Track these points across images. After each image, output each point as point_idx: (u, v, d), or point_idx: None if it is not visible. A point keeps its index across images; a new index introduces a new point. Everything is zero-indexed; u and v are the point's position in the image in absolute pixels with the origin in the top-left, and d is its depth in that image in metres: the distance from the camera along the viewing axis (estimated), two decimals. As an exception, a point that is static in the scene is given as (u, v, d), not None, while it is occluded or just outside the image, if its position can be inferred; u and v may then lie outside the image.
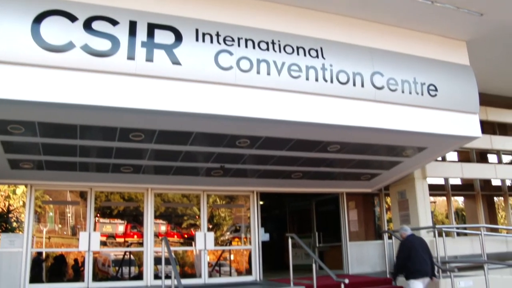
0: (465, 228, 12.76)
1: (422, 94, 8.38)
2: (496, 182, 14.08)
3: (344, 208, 12.08)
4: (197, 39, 6.94)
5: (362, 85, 7.91)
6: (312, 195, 12.88)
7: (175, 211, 11.18)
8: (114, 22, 6.50)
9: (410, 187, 11.45)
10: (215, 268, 10.97)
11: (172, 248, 8.66)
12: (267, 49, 7.35)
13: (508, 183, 14.06)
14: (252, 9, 7.66)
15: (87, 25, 6.34)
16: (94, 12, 6.43)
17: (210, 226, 10.99)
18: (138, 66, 6.52)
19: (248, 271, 10.89)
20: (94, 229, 9.76)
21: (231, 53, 7.07)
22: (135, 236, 10.44)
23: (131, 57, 6.49)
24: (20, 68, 6.01)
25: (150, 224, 10.11)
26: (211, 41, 7.02)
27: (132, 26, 6.60)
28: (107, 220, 10.41)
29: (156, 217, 10.43)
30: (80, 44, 6.24)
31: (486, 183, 13.95)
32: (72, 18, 6.28)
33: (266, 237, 11.30)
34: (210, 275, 10.50)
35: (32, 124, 6.91)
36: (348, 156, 9.58)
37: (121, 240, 10.46)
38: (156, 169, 9.45)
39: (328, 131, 8.13)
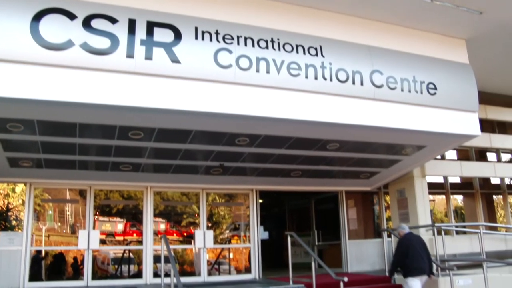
0: (464, 227, 12.76)
1: (421, 93, 8.38)
2: (495, 181, 14.11)
3: (343, 206, 12.09)
4: (196, 37, 6.94)
5: (362, 84, 7.91)
6: (311, 193, 12.89)
7: (175, 209, 11.18)
8: (113, 20, 6.50)
9: (409, 186, 11.46)
10: (215, 266, 10.98)
11: (171, 246, 8.66)
12: (267, 47, 7.34)
13: (507, 181, 14.09)
14: (251, 7, 7.65)
15: (86, 23, 6.33)
16: (93, 10, 6.43)
17: (210, 224, 10.99)
18: (137, 64, 6.52)
19: (248, 269, 10.90)
20: (94, 227, 9.77)
21: (230, 51, 7.06)
22: (135, 235, 10.44)
23: (130, 55, 6.49)
24: (19, 66, 6.00)
25: (150, 222, 10.11)
26: (211, 39, 7.01)
27: (131, 24, 6.59)
28: (106, 218, 10.40)
29: (155, 215, 10.43)
30: (79, 42, 6.24)
31: (485, 181, 13.98)
32: (71, 16, 6.27)
33: (265, 235, 11.31)
34: (210, 273, 10.51)
35: (31, 122, 6.91)
36: (347, 154, 9.58)
37: (121, 238, 10.45)
38: (155, 167, 9.45)
39: (327, 129, 8.13)
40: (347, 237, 11.87)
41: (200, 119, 7.24)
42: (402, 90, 8.23)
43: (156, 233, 10.33)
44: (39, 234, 9.61)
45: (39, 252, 9.50)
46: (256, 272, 10.75)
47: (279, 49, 7.43)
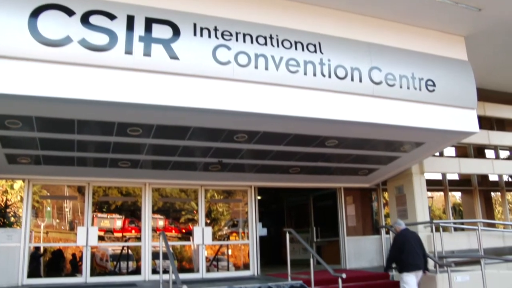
0: (462, 223, 12.77)
1: (420, 89, 8.38)
2: (493, 178, 14.12)
3: (341, 203, 12.10)
4: (195, 34, 6.92)
5: (360, 80, 7.90)
6: (309, 190, 12.90)
7: (173, 206, 11.18)
8: (111, 17, 6.48)
9: (408, 182, 11.46)
10: (213, 263, 10.99)
11: (170, 243, 8.65)
12: (265, 43, 7.33)
13: (505, 178, 14.12)
14: (250, 4, 7.63)
15: (85, 20, 6.31)
16: (92, 6, 6.41)
17: (208, 221, 11.00)
18: (136, 60, 6.51)
19: (246, 266, 10.92)
20: (92, 224, 9.77)
21: (229, 48, 7.06)
22: (133, 231, 10.45)
23: (128, 51, 6.47)
24: (17, 62, 5.99)
25: (148, 219, 10.12)
26: (209, 36, 7.00)
27: (130, 20, 6.58)
28: (105, 215, 10.41)
29: (154, 212, 10.44)
30: (78, 39, 6.22)
31: (484, 178, 14.00)
32: (70, 12, 6.26)
33: (263, 232, 11.31)
34: (208, 270, 10.52)
35: (29, 119, 6.90)
36: (346, 151, 9.58)
37: (119, 235, 10.46)
38: (154, 163, 9.44)
39: (326, 126, 8.13)
40: (345, 234, 11.89)
41: (198, 116, 7.23)
42: (401, 87, 8.23)
43: (154, 229, 10.34)
44: (38, 231, 9.61)
45: (37, 248, 9.51)
46: (254, 268, 10.76)
47: (278, 46, 7.42)
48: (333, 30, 8.05)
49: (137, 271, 9.94)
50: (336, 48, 7.89)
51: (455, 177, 13.77)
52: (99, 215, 10.26)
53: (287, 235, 9.39)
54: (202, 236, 10.43)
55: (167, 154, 8.89)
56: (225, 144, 8.58)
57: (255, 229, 11.01)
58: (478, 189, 13.39)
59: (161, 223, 10.86)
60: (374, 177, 11.69)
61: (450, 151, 13.34)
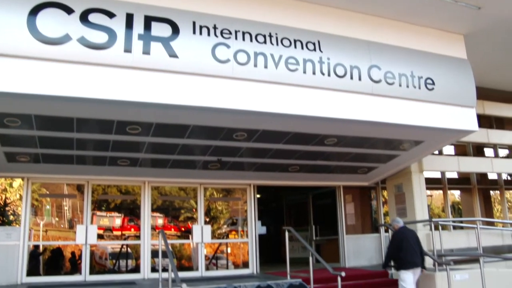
0: (461, 222, 12.81)
1: (419, 88, 8.37)
2: (492, 176, 14.14)
3: (341, 201, 12.11)
4: (194, 32, 6.91)
5: (360, 79, 7.90)
6: (309, 188, 12.91)
7: (172, 204, 11.19)
8: (110, 15, 6.47)
9: (407, 181, 11.47)
10: (212, 261, 11.00)
11: (169, 241, 8.66)
12: (265, 42, 7.32)
13: (504, 177, 14.13)
14: (249, 2, 7.62)
15: (84, 18, 6.29)
16: (91, 4, 6.39)
17: (207, 219, 11.00)
18: (135, 58, 6.49)
19: (245, 264, 10.93)
20: (91, 222, 9.77)
21: (228, 46, 7.04)
22: (132, 229, 10.45)
23: (128, 49, 6.46)
24: (16, 60, 5.98)
25: (147, 217, 10.12)
26: (208, 34, 6.99)
27: (129, 18, 6.56)
28: (104, 213, 10.41)
29: (153, 210, 10.44)
30: (77, 37, 6.21)
31: (483, 176, 14.01)
32: (69, 10, 6.24)
33: (263, 230, 11.32)
34: (207, 268, 10.54)
35: (28, 117, 6.89)
36: (345, 149, 9.59)
37: (118, 233, 10.46)
38: (153, 162, 9.44)
39: (325, 125, 8.13)
40: (344, 232, 11.90)
41: (198, 114, 7.23)
42: (400, 85, 8.22)
43: (154, 228, 10.34)
44: (37, 229, 9.61)
45: (37, 247, 9.51)
46: (253, 267, 10.77)
47: (277, 44, 7.41)
48: (332, 28, 8.04)
49: (136, 269, 9.95)
50: (336, 46, 7.88)
51: (454, 175, 13.80)
52: (98, 213, 10.26)
53: (286, 234, 9.40)
54: (201, 234, 10.44)
55: (166, 152, 8.89)
56: (224, 142, 8.57)
57: (254, 228, 11.01)
58: (477, 188, 13.40)
59: (160, 221, 10.87)
60: (373, 175, 11.70)
61: (449, 149, 13.36)
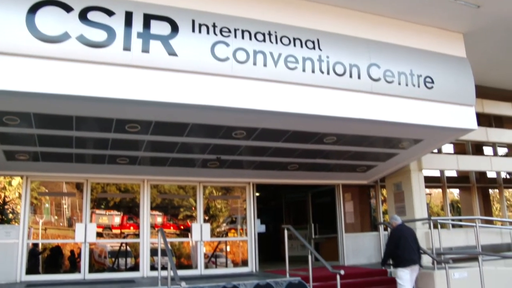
0: (460, 220, 12.83)
1: (418, 86, 8.38)
2: (491, 175, 14.15)
3: (340, 199, 12.12)
4: (193, 30, 6.91)
5: (359, 77, 7.90)
6: (308, 186, 12.91)
7: (171, 202, 11.19)
8: (110, 13, 6.46)
9: (406, 179, 11.48)
10: (211, 259, 11.00)
11: (168, 240, 8.65)
12: (264, 40, 7.32)
13: (503, 175, 14.14)
14: (248, 0, 7.61)
15: (83, 16, 6.29)
16: (90, 2, 6.38)
17: (206, 218, 11.00)
18: (134, 57, 6.49)
19: (244, 263, 10.94)
20: (91, 221, 9.77)
21: (227, 44, 7.04)
22: (132, 228, 10.45)
23: (127, 48, 6.45)
24: (15, 58, 5.97)
25: (146, 216, 10.12)
26: (208, 32, 6.98)
27: (128, 16, 6.55)
28: (103, 212, 10.40)
29: (152, 208, 10.44)
30: (76, 35, 6.20)
31: (482, 175, 14.02)
32: (68, 8, 6.23)
33: (262, 228, 11.32)
34: (206, 266, 10.54)
35: (27, 115, 6.88)
36: (344, 148, 9.59)
37: (118, 231, 10.46)
38: (152, 160, 9.44)
39: (324, 123, 8.13)
40: (343, 231, 11.91)
41: (197, 112, 7.23)
42: (399, 83, 8.22)
43: (153, 226, 10.34)
44: (36, 227, 9.61)
45: (36, 245, 9.51)
46: (253, 265, 10.78)
47: (277, 42, 7.41)
48: (332, 26, 8.04)
49: (135, 267, 9.95)
50: (335, 44, 7.88)
51: (453, 174, 13.82)
52: (98, 211, 10.25)
53: (286, 232, 9.39)
54: (200, 232, 10.44)
55: (166, 150, 8.89)
56: (223, 140, 8.57)
57: (254, 226, 11.02)
58: (476, 186, 13.41)
59: (159, 219, 10.86)
60: (372, 173, 11.70)
61: (448, 148, 13.37)
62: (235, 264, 11.08)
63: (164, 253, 7.87)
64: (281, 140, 8.81)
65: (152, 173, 10.09)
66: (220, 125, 7.90)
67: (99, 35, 6.32)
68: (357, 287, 9.09)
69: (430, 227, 10.21)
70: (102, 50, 6.32)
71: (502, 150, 14.07)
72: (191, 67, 6.83)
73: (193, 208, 10.88)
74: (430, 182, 12.65)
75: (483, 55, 10.14)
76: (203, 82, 6.91)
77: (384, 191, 12.63)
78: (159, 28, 6.69)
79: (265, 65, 7.23)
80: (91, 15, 6.34)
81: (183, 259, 10.77)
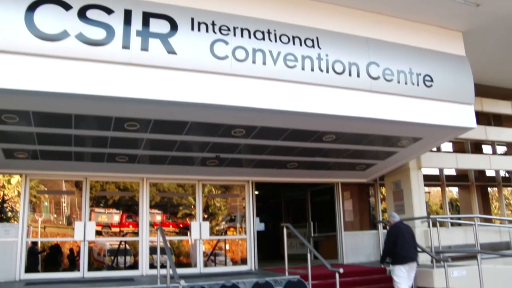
0: (459, 219, 12.84)
1: (417, 85, 8.38)
2: (490, 173, 14.16)
3: (339, 198, 12.12)
4: (192, 28, 6.91)
5: (358, 75, 7.90)
6: (307, 185, 12.92)
7: (171, 200, 11.19)
8: (109, 11, 6.45)
9: (405, 178, 11.49)
10: (210, 257, 11.00)
11: (167, 238, 8.65)
12: (263, 38, 7.32)
13: (502, 174, 14.15)
14: (248, -2, 7.62)
15: (82, 14, 6.28)
16: (89, 0, 6.37)
17: (206, 216, 11.00)
18: (133, 55, 6.49)
19: (244, 261, 10.94)
20: (90, 219, 9.76)
21: (226, 43, 7.04)
22: (131, 226, 10.45)
23: (126, 46, 6.45)
24: (13, 57, 5.97)
25: (146, 214, 10.12)
26: (207, 30, 6.98)
27: (127, 15, 6.55)
28: (102, 210, 10.40)
29: (151, 206, 10.43)
30: (75, 33, 6.20)
31: (481, 173, 14.03)
32: (66, 7, 6.22)
33: (261, 226, 11.32)
34: (206, 265, 10.54)
35: (26, 114, 6.88)
36: (344, 146, 9.59)
37: (117, 229, 10.46)
38: (151, 158, 9.44)
39: (323, 121, 8.13)
40: (342, 229, 11.91)
41: (196, 111, 7.23)
42: (398, 82, 8.22)
43: (152, 224, 10.34)
44: (35, 226, 9.61)
45: (35, 243, 9.50)
46: (252, 263, 10.79)
47: (276, 41, 7.40)
48: (331, 25, 8.04)
49: (134, 266, 9.95)
50: (334, 43, 7.89)
51: (452, 172, 13.83)
52: (97, 210, 10.25)
53: (285, 230, 9.40)
54: (199, 231, 10.44)
55: (165, 149, 8.88)
56: (222, 138, 8.57)
57: (253, 224, 11.02)
58: (475, 185, 13.42)
59: (158, 218, 10.87)
60: (371, 172, 11.71)
61: (447, 146, 13.38)
62: (234, 263, 11.08)
63: (163, 251, 7.87)
64: (280, 138, 8.81)
65: (151, 171, 10.08)
66: (219, 123, 7.90)
67: (98, 33, 6.31)
68: (356, 285, 9.09)
69: (429, 226, 10.22)
70: (101, 48, 6.32)
71: (501, 149, 14.08)
72: (190, 66, 6.82)
73: (192, 207, 10.88)
74: (429, 180, 12.66)
75: (482, 53, 10.14)
76: (202, 80, 6.91)
77: (383, 190, 12.64)
78: (158, 26, 6.69)
79: (264, 63, 7.23)
80: (90, 13, 6.33)
81: (182, 258, 10.78)
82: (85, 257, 9.42)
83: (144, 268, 9.79)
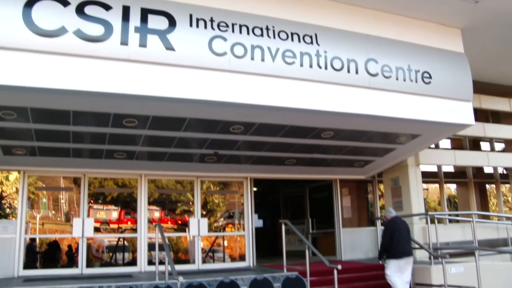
0: (457, 215, 12.86)
1: (416, 81, 8.38)
2: (488, 170, 14.19)
3: (337, 194, 12.13)
4: (191, 25, 6.89)
5: (357, 72, 7.90)
6: (305, 181, 12.93)
7: (169, 197, 11.19)
8: (107, 7, 6.43)
9: (403, 174, 11.51)
10: (209, 254, 11.02)
11: (165, 234, 8.67)
12: (261, 35, 7.30)
13: (500, 170, 14.18)
14: (246, -5, 7.60)
15: (80, 10, 6.26)
16: (87, -4, 6.36)
17: (204, 212, 11.01)
18: (132, 51, 6.47)
19: (242, 257, 10.95)
20: (88, 215, 9.76)
21: (225, 39, 7.02)
22: (129, 222, 10.46)
23: (124, 42, 6.43)
24: (11, 53, 5.95)
25: (144, 210, 10.12)
26: (205, 27, 6.97)
27: (125, 11, 6.53)
28: (100, 206, 10.40)
29: (149, 203, 10.43)
30: (73, 29, 6.18)
31: (479, 170, 14.07)
32: (64, 3, 6.20)
33: (259, 223, 11.34)
34: (204, 261, 10.56)
35: (24, 110, 6.86)
36: (342, 142, 9.59)
37: (115, 226, 10.46)
38: (150, 155, 9.43)
39: (322, 118, 8.13)
40: (341, 225, 11.93)
41: (194, 107, 7.22)
42: (397, 78, 8.22)
43: (150, 221, 10.34)
44: (34, 222, 9.60)
45: (33, 240, 9.50)
46: (250, 259, 10.80)
47: (274, 37, 7.39)
48: (329, 21, 8.02)
49: (133, 262, 9.96)
50: (333, 39, 7.87)
51: (451, 169, 13.84)
52: (95, 206, 10.25)
53: (283, 227, 9.42)
54: (198, 227, 10.44)
55: (163, 145, 8.87)
56: (221, 135, 8.57)
57: (251, 221, 11.03)
58: (473, 181, 13.45)
59: (157, 214, 10.87)
60: (370, 169, 11.72)
61: (445, 143, 13.40)
62: (233, 259, 11.10)
63: (161, 248, 7.89)
64: (278, 135, 8.81)
65: (149, 168, 10.08)
66: (217, 120, 7.89)
67: (96, 30, 6.30)
68: (354, 281, 9.12)
69: (427, 222, 10.22)
70: (99, 44, 6.30)
71: (499, 146, 14.10)
72: (188, 62, 6.81)
73: (191, 203, 10.88)
74: (427, 177, 12.69)
75: (481, 50, 10.13)
76: (200, 77, 6.90)
77: (382, 186, 12.65)
78: (157, 22, 6.67)
79: (262, 60, 7.22)
80: (88, 9, 6.31)
81: (180, 254, 10.78)
82: (84, 253, 9.43)
83: (142, 265, 9.80)
